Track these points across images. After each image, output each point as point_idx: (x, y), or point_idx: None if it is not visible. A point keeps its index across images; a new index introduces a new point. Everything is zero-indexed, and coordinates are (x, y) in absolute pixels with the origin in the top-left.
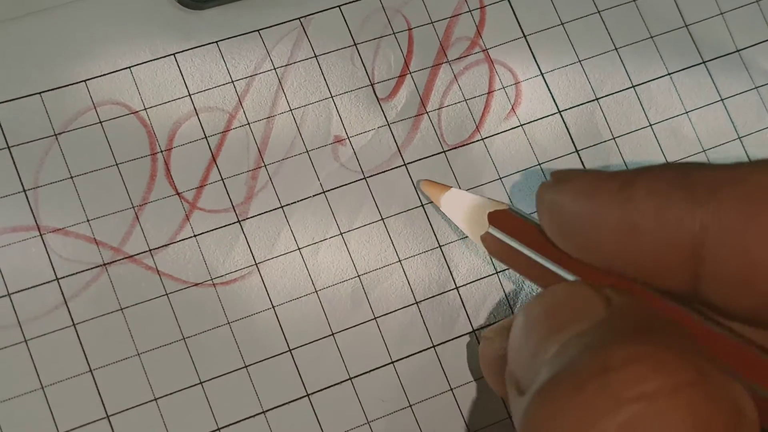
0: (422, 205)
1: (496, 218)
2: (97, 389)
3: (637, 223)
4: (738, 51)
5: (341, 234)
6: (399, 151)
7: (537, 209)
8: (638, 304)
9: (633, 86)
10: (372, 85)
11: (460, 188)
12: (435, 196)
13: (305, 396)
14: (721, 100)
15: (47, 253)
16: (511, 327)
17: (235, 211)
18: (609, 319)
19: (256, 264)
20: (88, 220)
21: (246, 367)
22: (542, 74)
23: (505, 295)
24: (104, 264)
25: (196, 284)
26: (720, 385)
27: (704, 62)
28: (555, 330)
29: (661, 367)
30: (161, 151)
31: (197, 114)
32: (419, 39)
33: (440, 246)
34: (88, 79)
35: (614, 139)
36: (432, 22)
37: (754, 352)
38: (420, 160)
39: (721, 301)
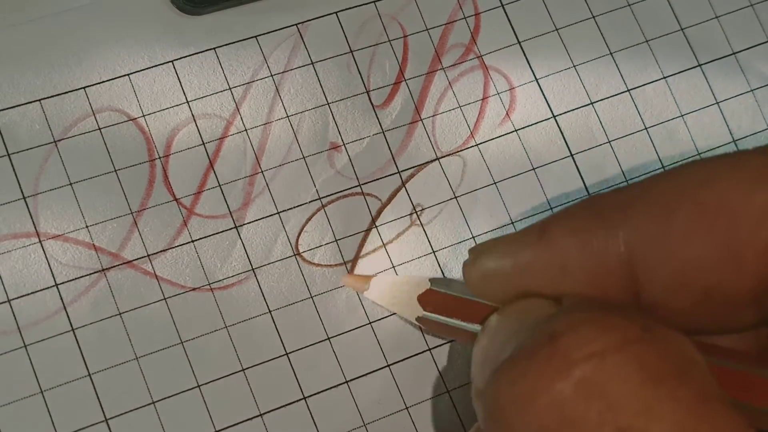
0: (415, 212)
1: (426, 300)
2: (96, 393)
3: (565, 263)
4: (734, 54)
5: (336, 241)
6: (393, 158)
7: (468, 286)
8: (590, 299)
9: (628, 90)
10: (368, 92)
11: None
12: (359, 288)
13: (302, 399)
14: (717, 103)
15: (46, 259)
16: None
17: (232, 216)
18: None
19: (252, 269)
20: (87, 226)
21: (243, 370)
22: (537, 80)
23: None
24: (103, 269)
25: (194, 289)
26: (664, 337)
27: (700, 65)
28: (512, 333)
29: (606, 327)
30: (159, 158)
31: (195, 121)
32: (414, 46)
33: (434, 252)
34: (87, 86)
35: (609, 142)
36: (427, 29)
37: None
38: (414, 167)
39: (663, 306)
